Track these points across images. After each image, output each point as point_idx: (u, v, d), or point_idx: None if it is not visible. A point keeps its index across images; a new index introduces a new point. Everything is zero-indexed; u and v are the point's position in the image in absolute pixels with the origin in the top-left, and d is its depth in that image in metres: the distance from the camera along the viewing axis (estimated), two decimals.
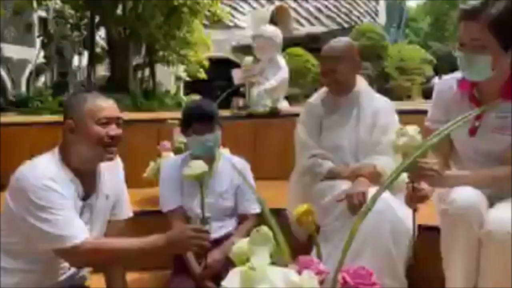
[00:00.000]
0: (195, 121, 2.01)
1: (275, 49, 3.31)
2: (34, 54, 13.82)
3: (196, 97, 8.06)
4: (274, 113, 3.29)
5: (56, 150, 1.52)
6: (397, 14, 20.72)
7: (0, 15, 10.78)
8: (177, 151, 2.47)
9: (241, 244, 0.93)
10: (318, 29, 14.49)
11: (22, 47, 13.89)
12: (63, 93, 8.23)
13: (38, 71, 11.72)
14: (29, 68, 13.98)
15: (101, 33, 9.38)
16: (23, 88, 14.39)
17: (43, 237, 1.39)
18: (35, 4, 9.40)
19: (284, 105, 3.36)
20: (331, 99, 2.18)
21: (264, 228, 0.86)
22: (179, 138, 2.47)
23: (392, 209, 1.81)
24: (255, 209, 2.11)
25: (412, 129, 1.43)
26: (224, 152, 2.34)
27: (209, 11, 9.12)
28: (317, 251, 0.97)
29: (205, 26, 10.10)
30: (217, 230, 2.06)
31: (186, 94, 10.53)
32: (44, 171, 1.42)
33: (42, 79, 12.83)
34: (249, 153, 3.12)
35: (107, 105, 1.49)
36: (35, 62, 11.51)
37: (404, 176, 1.51)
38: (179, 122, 2.54)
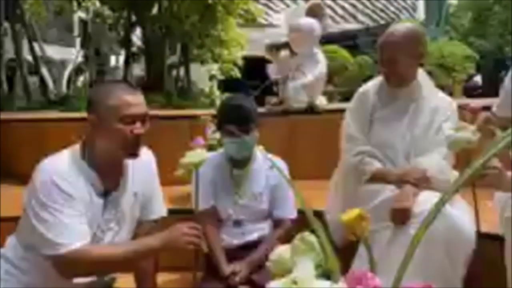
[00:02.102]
0: (231, 122, 1.87)
1: (313, 43, 3.14)
2: (74, 54, 14.26)
3: (236, 95, 8.00)
4: (311, 110, 3.13)
5: (78, 145, 1.46)
6: (437, 10, 20.00)
7: (42, 16, 11.16)
8: (210, 148, 2.38)
9: (280, 252, 0.80)
10: (353, 26, 14.17)
11: (63, 47, 14.35)
12: None
13: (77, 70, 12.04)
14: (69, 67, 14.45)
15: (137, 33, 9.52)
16: (64, 87, 14.87)
17: (38, 239, 1.32)
18: (75, 5, 9.67)
19: (321, 101, 3.19)
20: (387, 91, 1.96)
21: (309, 236, 0.73)
22: (213, 134, 2.38)
23: (447, 216, 1.63)
24: (292, 214, 1.98)
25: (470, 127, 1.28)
26: (260, 151, 2.22)
27: (243, 9, 9.08)
28: (371, 264, 0.83)
29: (239, 25, 10.06)
30: (250, 232, 1.95)
31: (221, 93, 10.52)
32: (57, 167, 1.37)
33: (81, 78, 13.21)
34: (284, 151, 2.97)
35: (133, 101, 1.38)
36: (74, 62, 11.82)
37: None
38: (212, 117, 2.43)
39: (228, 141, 1.92)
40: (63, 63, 14.78)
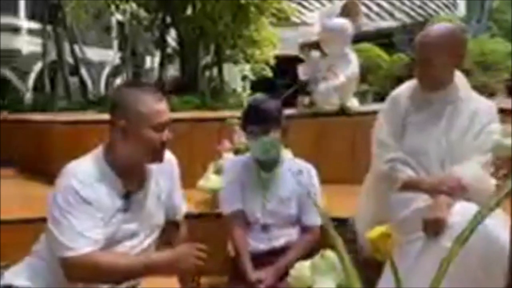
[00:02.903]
0: (250, 122, 1.86)
1: (344, 43, 3.06)
2: (111, 55, 14.66)
3: (261, 95, 7.99)
4: (342, 112, 3.05)
5: (101, 147, 1.48)
6: (479, 6, 19.17)
7: (82, 19, 11.53)
8: (237, 151, 2.36)
9: (301, 268, 0.76)
10: (389, 24, 13.80)
11: (101, 49, 14.78)
12: None
13: (115, 72, 12.36)
14: (107, 69, 14.87)
15: (172, 34, 9.64)
16: (102, 88, 15.32)
17: (52, 240, 1.36)
18: (113, 8, 9.90)
19: (353, 103, 3.11)
20: (421, 94, 1.86)
21: (329, 253, 0.68)
22: (240, 137, 2.35)
23: (482, 227, 1.52)
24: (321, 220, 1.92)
25: None
26: (288, 155, 2.18)
27: (276, 8, 9.02)
28: (397, 282, 0.77)
29: (272, 24, 10.01)
30: (277, 238, 1.91)
31: (253, 93, 10.53)
32: (77, 172, 1.39)
33: (119, 79, 13.56)
34: (315, 154, 2.93)
35: (162, 109, 1.43)
36: (112, 63, 12.14)
37: None
38: (238, 119, 2.41)
39: (250, 142, 1.90)
40: (101, 65, 15.24)
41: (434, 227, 1.57)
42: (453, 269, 1.45)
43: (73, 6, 11.35)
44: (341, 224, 2.08)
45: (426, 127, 1.82)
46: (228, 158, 2.34)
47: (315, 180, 2.00)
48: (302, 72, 3.24)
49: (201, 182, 1.61)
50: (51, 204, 1.37)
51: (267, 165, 1.96)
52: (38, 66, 14.79)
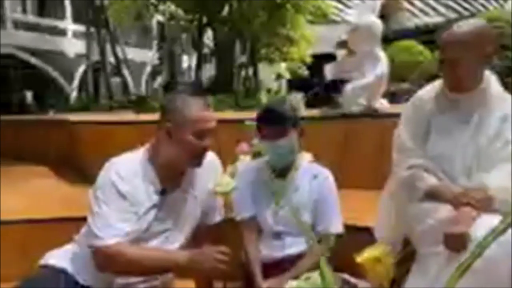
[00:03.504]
0: (264, 124, 1.78)
1: (373, 41, 2.91)
2: (151, 56, 15.04)
3: (298, 94, 7.89)
4: (369, 113, 2.91)
5: (146, 146, 1.53)
6: None
7: (124, 21, 11.89)
8: (255, 155, 2.29)
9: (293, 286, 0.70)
10: (433, 19, 13.26)
11: (142, 49, 15.20)
12: (171, 93, 8.69)
13: (154, 72, 12.67)
14: (147, 69, 15.27)
15: (209, 34, 9.75)
16: (143, 87, 15.76)
17: (88, 229, 1.41)
18: (152, 9, 10.15)
19: (382, 104, 2.95)
20: (447, 96, 1.71)
21: (314, 276, 0.61)
22: (257, 141, 2.28)
23: (507, 237, 1.38)
24: (337, 229, 1.82)
25: None
26: (305, 159, 2.09)
27: (313, 6, 8.90)
28: None
29: (311, 22, 9.88)
30: (290, 246, 1.83)
31: (288, 91, 10.44)
32: (118, 165, 1.45)
33: (158, 79, 13.89)
34: (339, 157, 2.82)
35: (207, 117, 1.47)
36: (151, 63, 12.44)
37: None
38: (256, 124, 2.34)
39: (264, 145, 1.83)
40: (142, 65, 15.68)
41: (456, 242, 1.44)
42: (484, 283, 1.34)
43: (116, 8, 11.74)
44: (359, 231, 1.98)
45: (452, 131, 1.67)
46: (244, 161, 2.28)
47: (332, 187, 1.89)
48: (329, 71, 3.13)
49: (214, 187, 1.58)
50: (91, 194, 1.43)
51: (281, 170, 1.88)
52: (82, 67, 15.47)
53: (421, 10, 14.91)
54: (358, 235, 2.03)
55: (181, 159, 1.47)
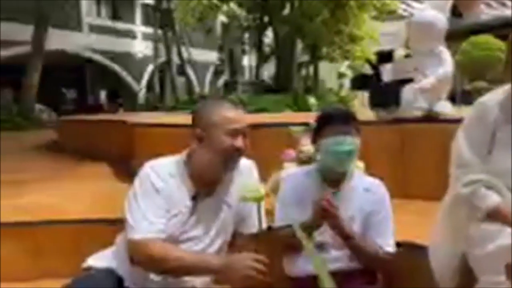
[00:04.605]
0: (328, 121, 1.67)
1: (436, 39, 2.65)
2: (215, 56, 15.34)
3: (363, 93, 7.61)
4: (430, 118, 2.66)
5: (183, 153, 1.55)
6: None
7: (189, 23, 12.22)
8: (300, 162, 2.18)
9: None
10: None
11: (205, 50, 15.56)
12: (232, 93, 8.78)
13: (217, 72, 12.91)
14: (211, 69, 15.61)
15: (269, 34, 9.71)
16: (207, 87, 16.13)
17: (126, 224, 1.43)
18: (214, 9, 10.33)
19: (445, 107, 2.69)
20: None
21: None
22: (304, 148, 2.17)
23: None
24: (387, 246, 1.66)
25: None
26: (358, 168, 1.94)
27: (379, 2, 8.53)
28: None
29: (376, 18, 9.49)
30: (336, 261, 1.69)
31: (351, 90, 10.11)
32: (156, 164, 1.49)
33: (221, 79, 14.14)
34: (395, 165, 2.63)
35: (236, 116, 1.49)
36: (214, 63, 12.69)
37: None
38: (303, 129, 2.22)
39: (324, 144, 1.68)
40: (206, 65, 16.04)
41: None
42: None
43: (181, 10, 12.11)
44: (414, 249, 1.81)
45: None
46: (289, 168, 2.17)
47: (386, 201, 1.74)
48: (386, 73, 2.91)
49: (243, 192, 1.51)
50: (130, 191, 1.47)
51: (332, 179, 1.76)
52: (150, 68, 16.17)
53: (500, 2, 13.74)
54: (411, 252, 1.86)
55: (214, 163, 1.47)
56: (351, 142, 1.64)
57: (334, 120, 1.66)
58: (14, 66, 10.58)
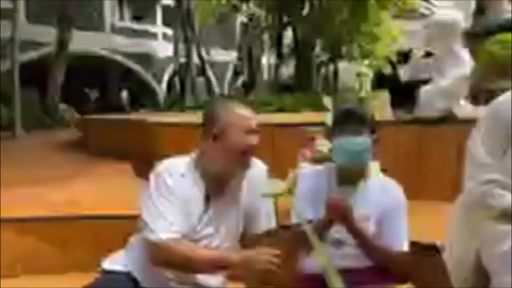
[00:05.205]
0: (342, 121, 1.69)
1: (454, 39, 2.64)
2: (234, 56, 15.40)
3: (382, 92, 7.54)
4: (447, 118, 2.65)
5: (193, 154, 1.56)
6: None
7: (209, 23, 12.34)
8: (316, 161, 2.21)
9: None
10: None
11: (225, 50, 15.65)
12: (250, 92, 8.82)
13: (236, 72, 12.96)
14: (230, 69, 15.68)
15: (288, 33, 9.72)
16: (226, 87, 16.22)
17: (142, 223, 1.44)
18: (233, 9, 10.40)
19: (465, 108, 2.67)
20: None
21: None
22: (320, 147, 2.20)
23: None
24: (400, 246, 1.68)
25: None
26: (374, 168, 1.96)
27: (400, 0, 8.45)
28: None
29: (397, 17, 9.39)
30: (350, 258, 1.70)
31: (372, 90, 10.03)
32: (169, 165, 1.50)
33: (240, 79, 14.20)
34: (412, 166, 2.63)
35: (251, 115, 1.51)
36: (233, 63, 12.75)
37: None
38: (320, 129, 2.25)
39: (338, 143, 1.71)
40: (225, 65, 16.12)
41: None
42: None
43: (201, 10, 12.24)
44: (427, 250, 1.82)
45: None
46: (305, 167, 2.20)
47: (401, 202, 1.74)
48: (404, 73, 2.91)
49: (264, 189, 1.56)
50: (145, 192, 1.49)
51: (349, 178, 1.78)
52: (171, 68, 16.35)
53: None
54: (426, 252, 1.87)
55: (229, 162, 1.48)
56: (363, 142, 1.65)
57: (347, 119, 1.68)
58: (39, 66, 10.89)
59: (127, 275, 1.52)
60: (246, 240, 1.61)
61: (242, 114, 1.49)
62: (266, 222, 1.64)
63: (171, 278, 1.51)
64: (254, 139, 1.48)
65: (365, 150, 1.67)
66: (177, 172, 1.49)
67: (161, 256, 1.42)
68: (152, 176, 1.49)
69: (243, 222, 1.60)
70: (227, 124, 1.47)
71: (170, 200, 1.46)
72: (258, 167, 1.59)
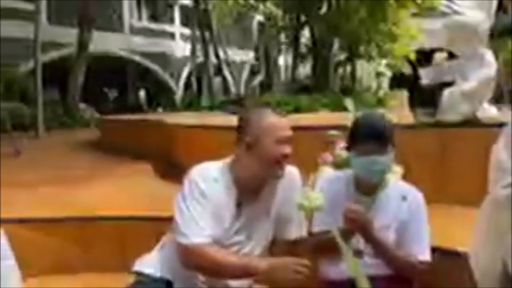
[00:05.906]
0: (362, 139, 1.65)
1: (477, 41, 2.57)
2: (251, 56, 15.39)
3: (400, 92, 7.43)
4: (470, 122, 2.59)
5: (228, 160, 1.58)
6: None
7: (226, 23, 12.36)
8: (337, 166, 2.18)
9: None
10: None
11: (242, 50, 15.66)
12: (266, 92, 8.80)
13: (253, 72, 12.95)
14: (247, 69, 15.67)
15: (305, 33, 9.67)
16: (243, 87, 16.23)
17: (175, 227, 1.46)
18: (251, 8, 10.39)
19: (489, 111, 2.61)
20: None
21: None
22: (341, 152, 2.17)
23: None
24: (422, 254, 1.64)
25: None
26: (395, 173, 1.92)
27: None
28: None
29: (415, 15, 9.24)
30: (370, 267, 1.68)
31: (390, 89, 9.89)
32: (202, 169, 1.52)
33: (257, 79, 14.17)
34: (435, 170, 2.58)
35: (284, 124, 1.51)
36: (250, 63, 12.74)
37: None
38: (341, 133, 2.22)
39: (357, 160, 1.68)
40: (242, 65, 16.12)
41: None
42: None
43: (219, 9, 12.27)
44: (451, 255, 1.79)
45: None
46: (325, 172, 2.18)
47: (422, 209, 1.71)
48: (425, 75, 2.84)
49: (301, 200, 1.54)
50: (178, 196, 1.51)
51: (367, 187, 1.75)
52: (188, 68, 16.45)
53: None
54: (449, 259, 1.83)
55: (262, 170, 1.49)
56: (384, 162, 1.61)
57: (369, 137, 1.62)
58: (60, 66, 11.08)
59: (160, 278, 1.53)
60: (275, 247, 1.62)
61: (275, 123, 1.48)
62: (297, 230, 1.64)
63: (202, 280, 1.53)
64: (287, 148, 1.47)
65: (387, 168, 1.64)
66: (210, 176, 1.50)
67: (192, 260, 1.45)
68: (186, 179, 1.50)
69: (273, 229, 1.60)
70: (260, 133, 1.47)
71: (203, 204, 1.46)
72: (292, 175, 1.58)
